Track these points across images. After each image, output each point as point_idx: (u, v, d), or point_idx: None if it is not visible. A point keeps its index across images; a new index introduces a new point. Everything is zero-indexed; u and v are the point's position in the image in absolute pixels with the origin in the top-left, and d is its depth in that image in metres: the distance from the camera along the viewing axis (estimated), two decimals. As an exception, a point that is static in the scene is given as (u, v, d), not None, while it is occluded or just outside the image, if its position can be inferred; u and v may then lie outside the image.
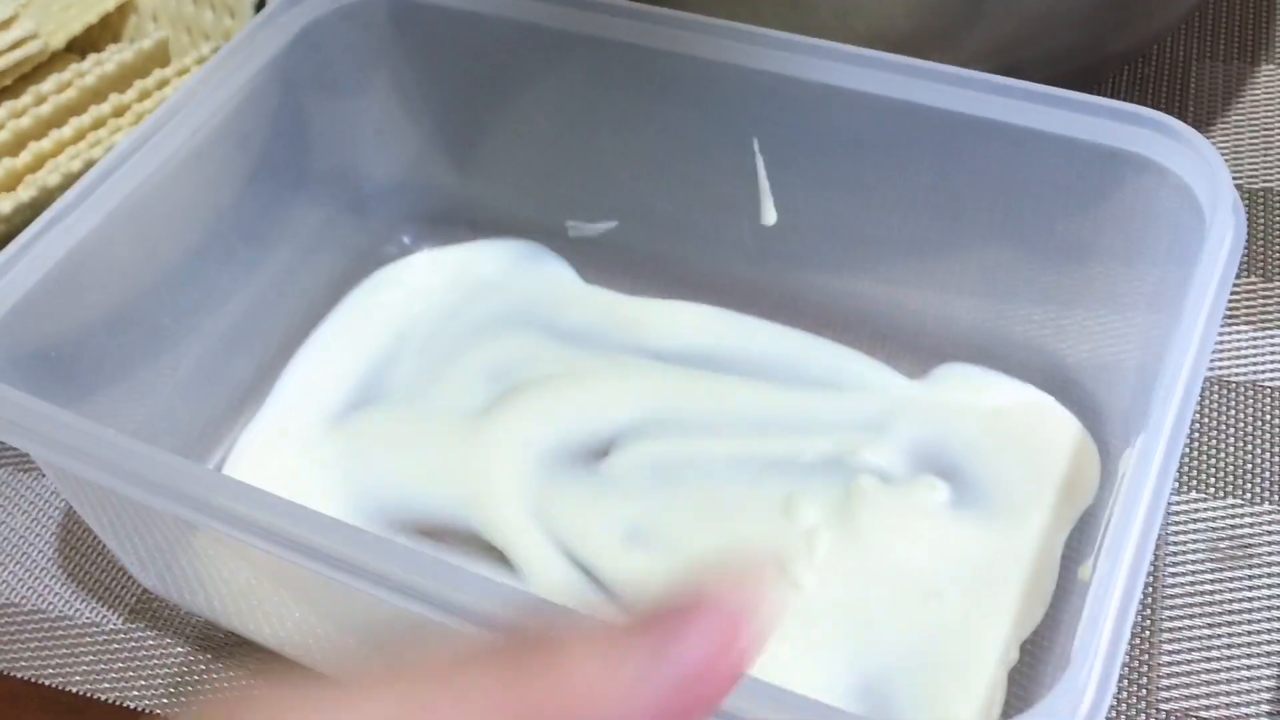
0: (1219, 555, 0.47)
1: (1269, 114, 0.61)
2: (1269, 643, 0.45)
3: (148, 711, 0.47)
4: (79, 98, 0.58)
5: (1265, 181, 0.58)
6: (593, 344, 0.54)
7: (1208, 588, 0.46)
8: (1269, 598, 0.46)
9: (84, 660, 0.49)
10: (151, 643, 0.49)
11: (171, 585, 0.48)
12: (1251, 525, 0.48)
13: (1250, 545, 0.47)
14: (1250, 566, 0.47)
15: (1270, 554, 0.47)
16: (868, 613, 0.45)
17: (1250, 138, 0.60)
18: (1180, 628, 0.45)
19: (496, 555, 0.48)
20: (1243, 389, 0.51)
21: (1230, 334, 0.53)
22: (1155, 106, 0.43)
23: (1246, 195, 0.58)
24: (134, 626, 0.50)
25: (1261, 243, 0.56)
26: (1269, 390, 0.51)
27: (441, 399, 0.53)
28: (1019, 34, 0.50)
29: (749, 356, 0.53)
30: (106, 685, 0.48)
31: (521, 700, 0.23)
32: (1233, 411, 0.51)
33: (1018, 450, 0.49)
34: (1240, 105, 0.62)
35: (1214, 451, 0.50)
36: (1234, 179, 0.56)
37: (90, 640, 0.50)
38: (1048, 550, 0.46)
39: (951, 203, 0.50)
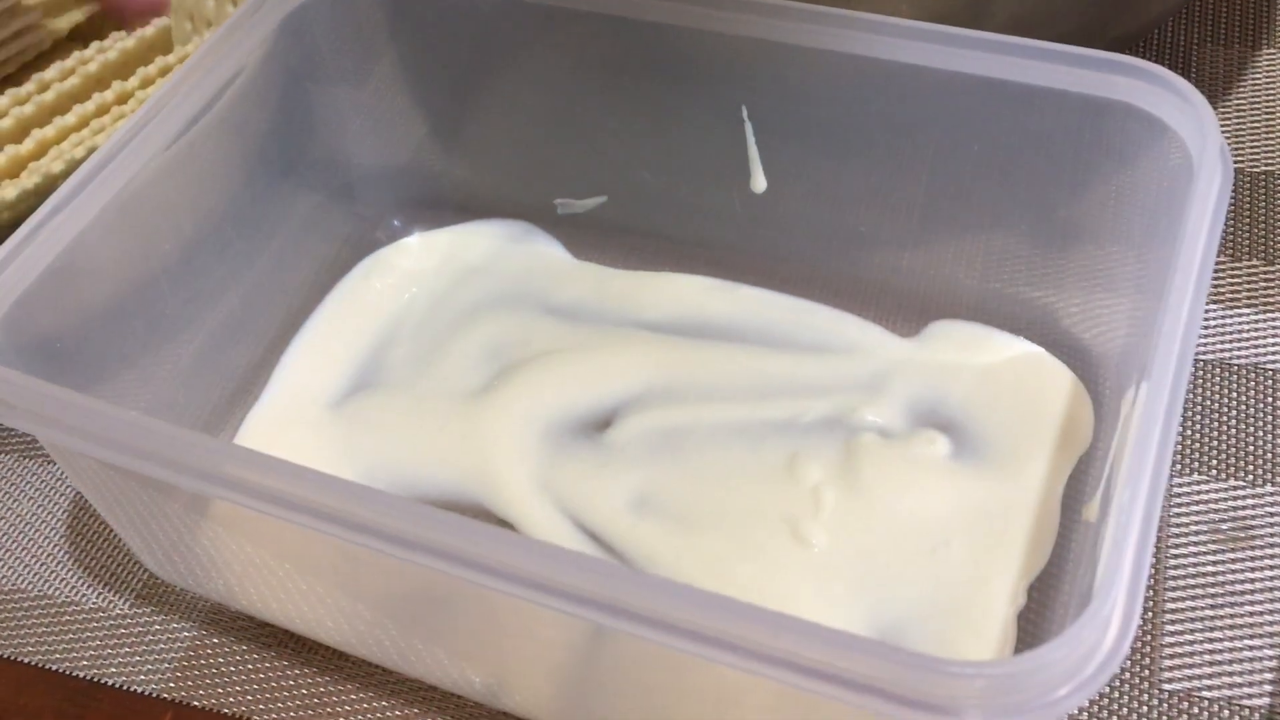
0: (1221, 537, 0.47)
1: (1270, 98, 0.61)
2: (1271, 623, 0.45)
3: (155, 696, 0.48)
4: (82, 85, 0.58)
5: (1267, 165, 0.58)
6: (588, 319, 0.55)
7: (1210, 569, 0.46)
8: (1271, 579, 0.46)
9: (91, 645, 0.49)
10: (158, 627, 0.49)
11: (180, 568, 0.48)
12: (1254, 507, 0.48)
13: (1252, 527, 0.47)
14: (1252, 548, 0.47)
15: (1272, 535, 0.47)
16: (878, 565, 0.45)
17: (1252, 121, 0.60)
18: (1183, 608, 0.46)
19: (506, 528, 0.48)
20: (1244, 371, 0.51)
21: (1232, 317, 0.53)
22: (1157, 90, 0.44)
23: (1248, 179, 0.58)
24: (141, 611, 0.50)
25: (1263, 226, 0.56)
26: (1271, 372, 0.51)
27: (441, 379, 0.53)
28: (1021, 18, 0.50)
29: (743, 324, 0.54)
30: (113, 670, 0.49)
31: None
32: (1235, 394, 0.51)
33: (1013, 401, 0.50)
34: (1241, 89, 0.62)
35: (1216, 434, 0.50)
36: (1235, 163, 0.56)
37: (97, 625, 0.50)
38: (1049, 495, 0.47)
39: (939, 161, 0.50)
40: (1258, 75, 0.62)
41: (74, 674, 0.49)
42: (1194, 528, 0.48)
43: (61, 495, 0.54)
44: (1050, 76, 0.45)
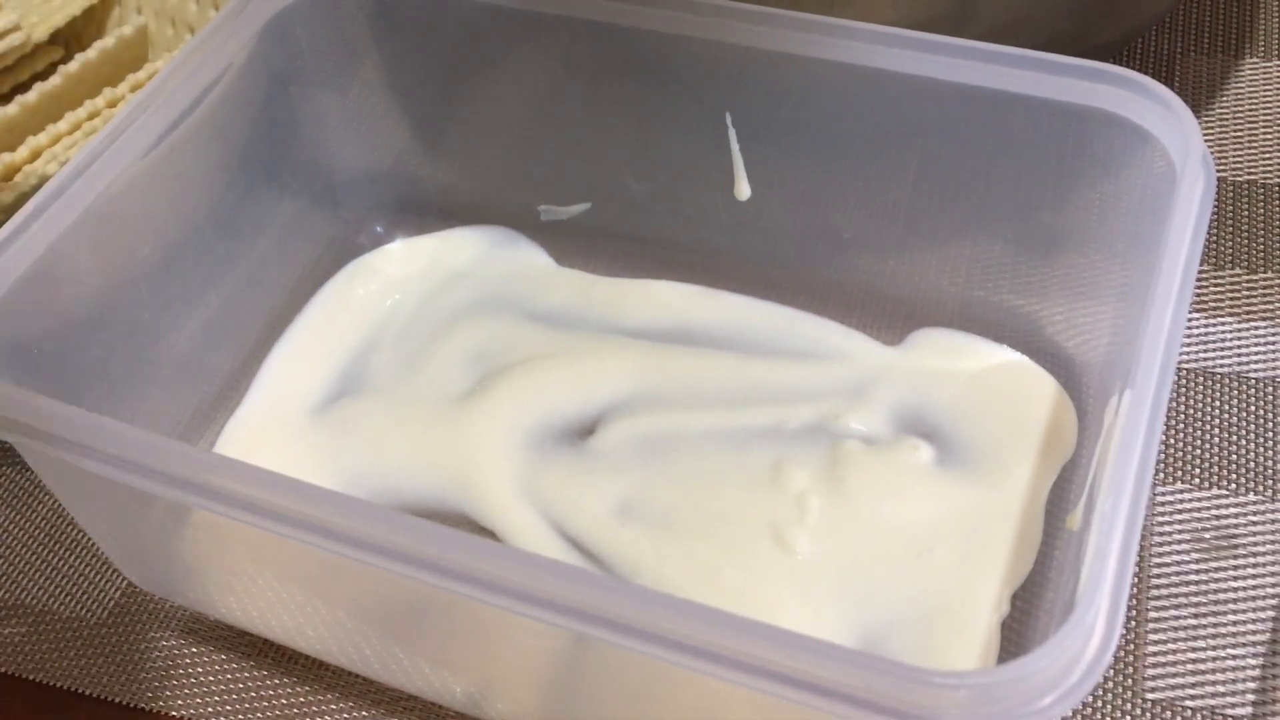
0: (1204, 545, 0.47)
1: (1253, 107, 0.61)
2: (1254, 632, 0.45)
3: (133, 706, 0.47)
4: (64, 84, 0.58)
5: (1249, 174, 0.58)
6: (571, 325, 0.54)
7: (1193, 578, 0.46)
8: (1254, 587, 0.46)
9: (68, 655, 0.49)
10: (136, 637, 0.49)
11: (159, 576, 0.48)
12: (1236, 515, 0.48)
13: (1235, 535, 0.47)
14: (1235, 556, 0.47)
15: (1255, 544, 0.47)
16: (862, 572, 0.45)
17: (1235, 130, 0.60)
18: (1166, 618, 0.46)
19: (488, 536, 0.48)
20: (1227, 380, 0.51)
21: (1214, 325, 0.53)
22: (1140, 98, 0.44)
23: (1231, 188, 0.58)
24: (119, 620, 0.50)
25: (1245, 235, 0.56)
26: (1253, 381, 0.51)
27: (424, 385, 0.53)
28: (1004, 26, 0.50)
29: (727, 331, 0.54)
30: (91, 680, 0.48)
31: None
32: (1217, 403, 0.51)
33: (997, 409, 0.50)
34: (1224, 98, 0.62)
35: (1199, 442, 0.50)
36: (1219, 172, 0.56)
37: (74, 635, 0.49)
38: (1032, 503, 0.47)
39: (923, 168, 0.50)
40: (1240, 84, 0.62)
41: (51, 684, 0.48)
42: (1177, 536, 0.48)
43: (39, 503, 0.54)
44: (1034, 84, 0.45)
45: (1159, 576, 0.47)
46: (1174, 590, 0.46)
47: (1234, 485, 0.49)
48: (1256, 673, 0.44)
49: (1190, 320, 0.53)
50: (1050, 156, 0.47)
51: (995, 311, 0.52)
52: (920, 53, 0.46)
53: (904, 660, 0.32)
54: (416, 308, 0.56)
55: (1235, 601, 0.46)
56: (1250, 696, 0.44)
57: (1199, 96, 0.62)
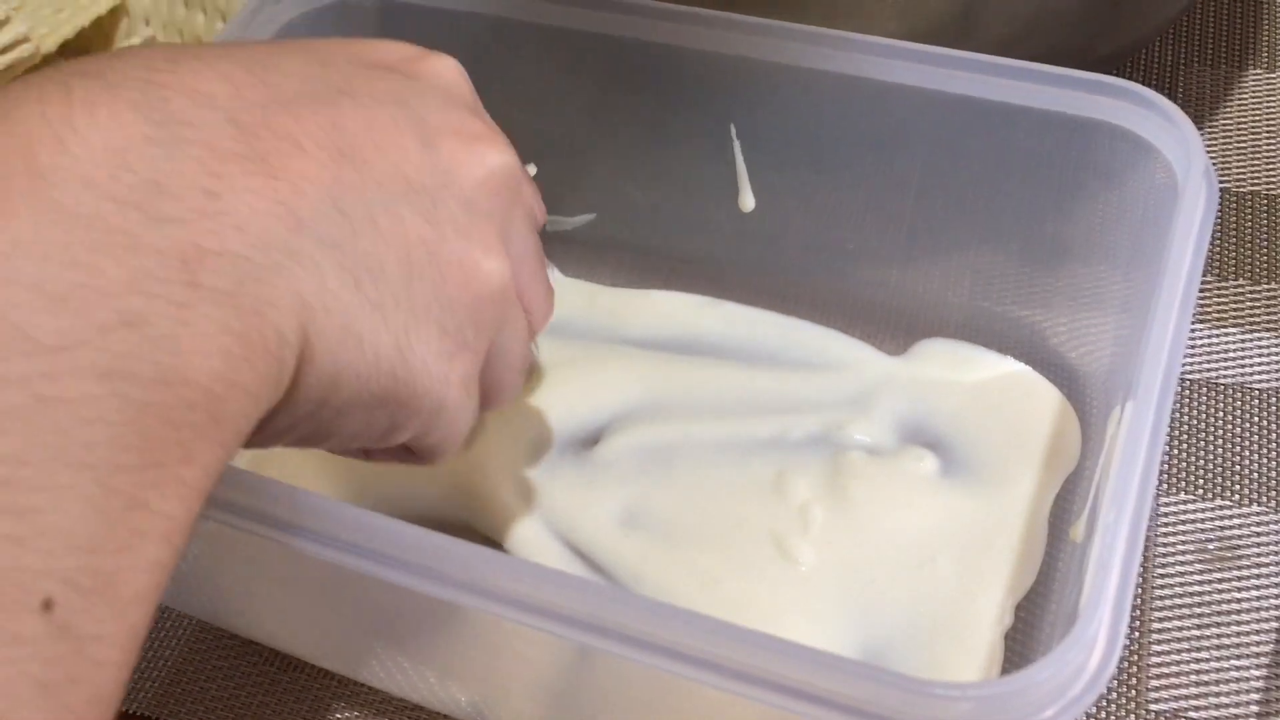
0: (1208, 556, 0.47)
1: (1256, 118, 0.61)
2: (1258, 643, 0.45)
3: (140, 715, 0.47)
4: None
5: (1252, 185, 0.58)
6: (576, 335, 0.54)
7: (1197, 588, 0.46)
8: (1258, 598, 0.46)
9: (75, 663, 0.49)
10: (143, 646, 0.49)
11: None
12: (1240, 526, 0.48)
13: (1239, 546, 0.47)
14: (1239, 567, 0.47)
15: (1259, 554, 0.47)
16: (865, 582, 0.45)
17: (1238, 141, 0.60)
18: (1170, 628, 0.46)
19: (492, 546, 0.48)
20: (1231, 391, 0.51)
21: (1218, 336, 0.53)
22: (1143, 110, 0.44)
23: (1234, 198, 0.58)
24: (125, 629, 0.50)
25: (1249, 245, 0.56)
26: (1257, 392, 0.51)
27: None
28: (1008, 39, 0.50)
29: (731, 341, 0.54)
30: (98, 688, 0.48)
31: None
32: (1221, 413, 0.51)
33: (1001, 420, 0.50)
34: (1227, 109, 0.62)
35: (1202, 453, 0.50)
36: (1221, 182, 0.56)
37: (82, 643, 0.49)
38: (1036, 515, 0.47)
39: (927, 179, 0.50)
40: (1243, 95, 0.62)
41: (58, 692, 0.48)
42: (1180, 547, 0.47)
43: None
44: (1037, 96, 0.45)
45: (1162, 587, 0.46)
46: (1177, 601, 0.46)
47: (1238, 496, 0.48)
48: (1260, 684, 0.44)
49: (1193, 331, 0.53)
50: (1053, 168, 0.47)
51: (999, 322, 0.52)
52: (924, 65, 0.46)
53: (907, 672, 0.32)
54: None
55: (1239, 612, 0.46)
56: (1254, 708, 0.43)
57: (1201, 108, 0.62)
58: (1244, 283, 0.55)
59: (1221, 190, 0.57)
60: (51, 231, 0.26)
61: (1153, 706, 0.44)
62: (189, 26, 0.63)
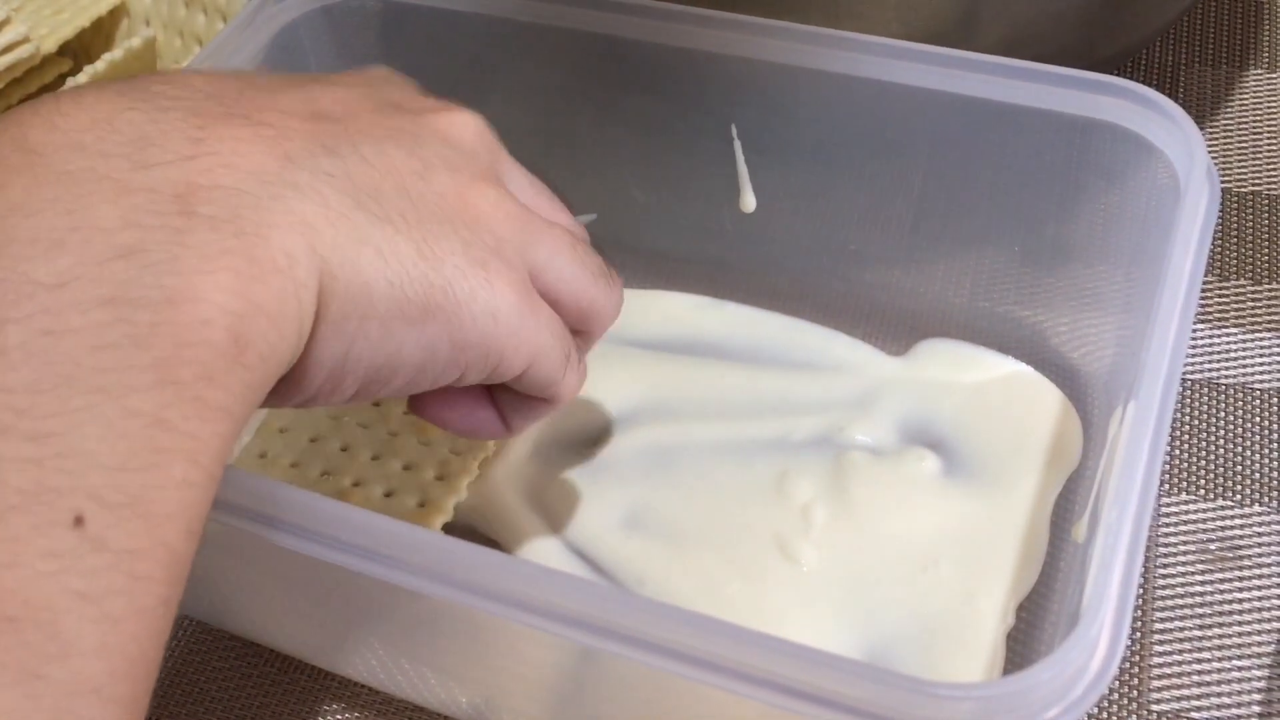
0: (1209, 556, 0.47)
1: (1257, 118, 0.61)
2: (1260, 643, 0.45)
3: (140, 715, 0.47)
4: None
5: (1254, 185, 0.58)
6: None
7: (1198, 589, 0.46)
8: (1259, 598, 0.46)
9: (76, 664, 0.49)
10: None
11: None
12: (1241, 526, 0.48)
13: (1240, 546, 0.47)
14: (1240, 567, 0.47)
15: (1260, 555, 0.47)
16: (867, 583, 0.45)
17: (1239, 141, 0.60)
18: (1171, 629, 0.46)
19: (494, 547, 0.47)
20: (1232, 391, 0.51)
21: (1219, 337, 0.53)
22: (1145, 110, 0.44)
23: (1235, 198, 0.58)
24: (126, 630, 0.50)
25: (1250, 245, 0.56)
26: (1258, 392, 0.51)
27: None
28: (1010, 40, 0.50)
29: (733, 342, 0.54)
30: (99, 689, 0.48)
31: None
32: (1222, 414, 0.51)
33: (1002, 420, 0.50)
34: (1229, 109, 0.62)
35: (1204, 453, 0.50)
36: (1223, 183, 0.56)
37: (82, 644, 0.49)
38: (1037, 515, 0.47)
39: (929, 179, 0.50)
40: (1244, 95, 0.62)
41: (59, 692, 0.48)
42: (1182, 548, 0.47)
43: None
44: (1039, 97, 0.45)
45: (1164, 588, 0.46)
46: (1179, 602, 0.46)
47: (1239, 496, 0.48)
48: (1262, 684, 0.44)
49: (1195, 331, 0.53)
50: (1055, 168, 0.47)
51: (1000, 323, 0.52)
52: (926, 65, 0.46)
53: (909, 672, 0.32)
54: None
55: (1241, 613, 0.46)
56: (1256, 708, 0.43)
57: (1203, 108, 0.62)
58: (1245, 283, 0.55)
59: (1222, 190, 0.57)
60: (43, 189, 0.27)
61: (1154, 707, 0.44)
62: (189, 26, 0.63)
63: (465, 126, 0.36)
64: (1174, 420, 0.49)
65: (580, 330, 0.38)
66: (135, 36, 0.61)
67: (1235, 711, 0.43)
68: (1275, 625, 0.45)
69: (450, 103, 0.38)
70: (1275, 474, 0.49)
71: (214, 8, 0.61)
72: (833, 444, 0.49)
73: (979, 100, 0.46)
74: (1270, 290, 0.55)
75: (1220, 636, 0.45)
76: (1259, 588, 0.46)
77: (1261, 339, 0.53)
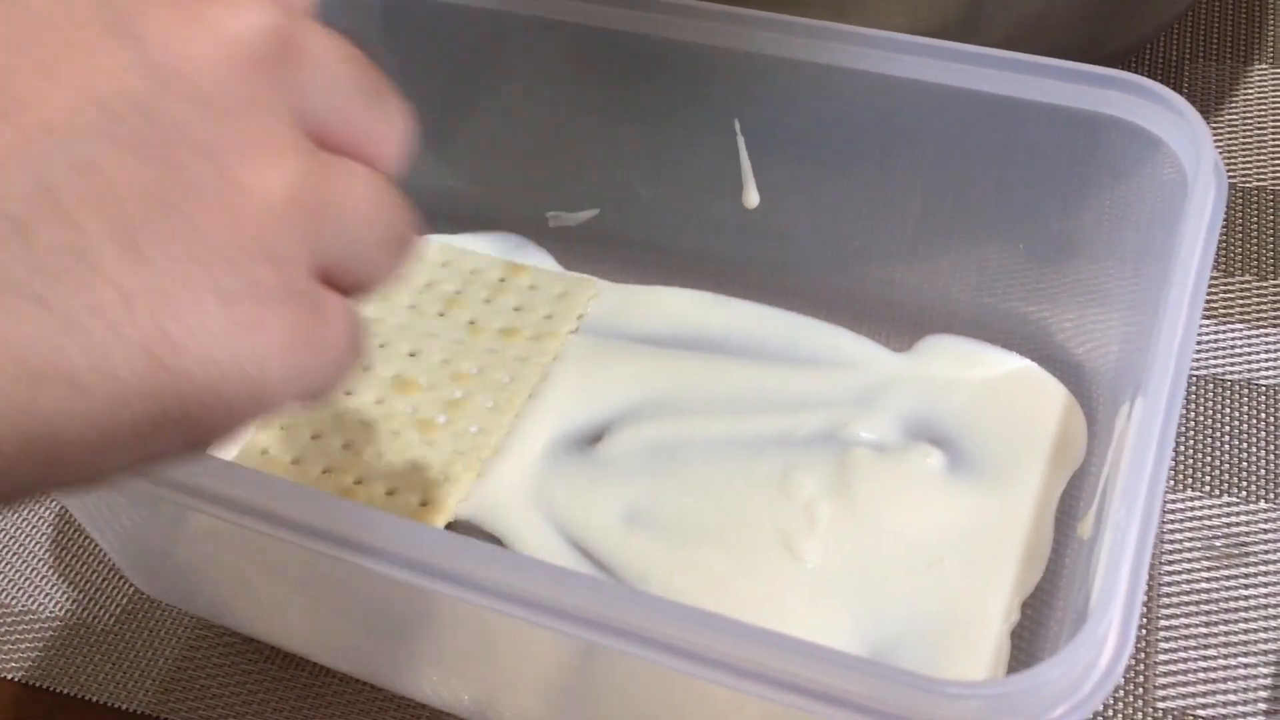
0: (1215, 553, 0.47)
1: (1262, 113, 0.61)
2: (1265, 640, 0.45)
3: (139, 713, 0.47)
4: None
5: (1259, 180, 0.58)
6: (580, 332, 0.54)
7: (1204, 585, 0.46)
8: (1265, 595, 0.46)
9: (74, 661, 0.49)
10: (143, 643, 0.49)
11: (165, 583, 0.47)
12: (1247, 523, 0.48)
13: (1246, 543, 0.47)
14: (1246, 564, 0.47)
15: (1266, 551, 0.47)
16: (871, 580, 0.45)
17: (1244, 136, 0.60)
18: (1177, 626, 0.45)
19: (495, 543, 0.47)
20: (1237, 387, 0.51)
21: (1224, 332, 0.53)
22: (1149, 104, 0.44)
23: (1240, 194, 0.58)
24: (125, 627, 0.49)
25: (1255, 241, 0.56)
26: (1263, 388, 0.51)
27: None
28: (1015, 35, 0.50)
29: (736, 338, 0.54)
30: (97, 686, 0.48)
31: None
32: (1227, 410, 0.51)
33: (1007, 417, 0.50)
34: (1233, 104, 0.62)
35: (1209, 450, 0.50)
36: (1228, 178, 0.56)
37: (81, 641, 0.49)
38: (1042, 511, 0.47)
39: (934, 175, 0.50)
40: (1250, 90, 0.62)
41: (57, 690, 0.48)
42: (1188, 544, 0.47)
43: (47, 509, 0.53)
44: (1044, 91, 0.45)
45: (1169, 585, 0.46)
46: (1185, 598, 0.46)
47: (1245, 493, 0.48)
48: (1268, 681, 0.44)
49: (1200, 327, 0.53)
50: (1061, 163, 0.47)
51: (1005, 319, 0.52)
52: (931, 59, 0.46)
53: (914, 670, 0.32)
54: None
55: (1246, 609, 0.46)
56: (1262, 705, 0.43)
57: (1208, 102, 0.62)
58: (1250, 278, 0.55)
59: (1228, 185, 0.57)
60: None
61: (1160, 704, 0.44)
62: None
63: (240, 43, 0.24)
64: (1180, 417, 0.49)
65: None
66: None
67: (1241, 709, 0.43)
68: (1281, 622, 0.45)
69: None
70: (1281, 470, 0.49)
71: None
72: (837, 440, 0.49)
73: (984, 95, 0.46)
74: (1275, 286, 0.54)
75: (1226, 633, 0.45)
76: (1265, 584, 0.46)
77: (1267, 334, 0.53)
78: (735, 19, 0.48)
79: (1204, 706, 0.44)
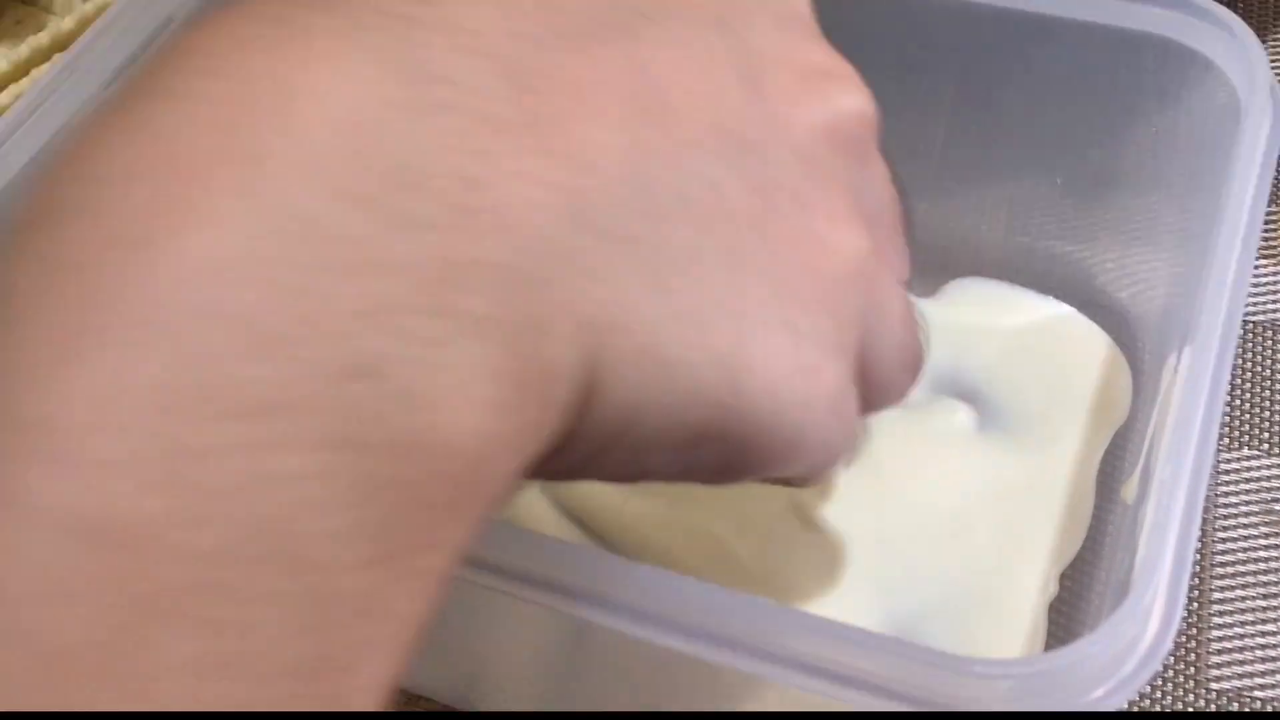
0: (1274, 518, 0.47)
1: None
2: (1329, 613, 0.45)
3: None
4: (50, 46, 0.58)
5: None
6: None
7: (1262, 554, 0.46)
8: (1329, 564, 0.46)
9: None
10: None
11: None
12: (1309, 484, 0.47)
13: (1308, 506, 0.47)
14: (1308, 530, 0.46)
15: (1330, 516, 0.47)
16: (893, 550, 0.45)
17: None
18: (1232, 599, 0.45)
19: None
20: (1297, 335, 0.51)
21: (1283, 275, 0.53)
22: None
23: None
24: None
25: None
26: (1327, 336, 0.51)
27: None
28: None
29: None
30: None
31: None
32: (1287, 360, 0.50)
33: (1042, 368, 0.49)
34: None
35: (1266, 403, 0.49)
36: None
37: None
38: (1082, 473, 0.46)
39: (959, 102, 0.50)
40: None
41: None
42: (1244, 509, 0.47)
43: None
44: (1082, 8, 0.44)
45: (1224, 554, 0.46)
46: (1240, 569, 0.45)
47: (1306, 451, 0.48)
48: (1332, 658, 0.44)
49: (1256, 268, 0.52)
50: (1101, 87, 0.46)
51: (1040, 260, 0.51)
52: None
53: (940, 648, 0.31)
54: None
55: (1308, 580, 0.45)
56: (1325, 685, 0.43)
57: (1264, 19, 0.61)
58: (1311, 216, 0.54)
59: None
60: (268, 246, 0.21)
61: (1214, 685, 0.43)
62: None
63: (841, 120, 0.29)
64: (1233, 367, 0.49)
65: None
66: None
67: (1303, 688, 0.43)
68: (1347, 593, 0.45)
69: (836, 61, 0.30)
70: (1346, 426, 0.48)
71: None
72: (854, 395, 0.49)
73: (1015, 11, 0.45)
74: (1339, 223, 0.54)
75: (1286, 606, 0.45)
76: (1328, 551, 0.46)
77: (1329, 277, 0.53)
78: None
79: (1262, 687, 0.43)
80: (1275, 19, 0.61)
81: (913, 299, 0.32)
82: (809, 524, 0.45)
